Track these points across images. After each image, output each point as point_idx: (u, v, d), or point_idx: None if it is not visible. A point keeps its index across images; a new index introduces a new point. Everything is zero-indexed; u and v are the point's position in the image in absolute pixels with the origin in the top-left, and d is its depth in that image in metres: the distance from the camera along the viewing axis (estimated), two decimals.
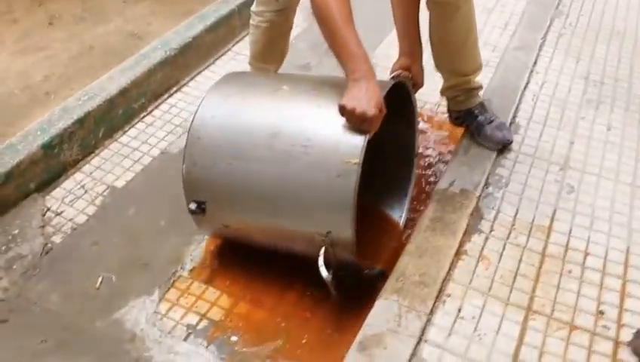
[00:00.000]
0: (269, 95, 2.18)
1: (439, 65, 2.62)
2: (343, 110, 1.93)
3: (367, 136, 1.94)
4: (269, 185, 2.05)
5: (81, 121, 2.82)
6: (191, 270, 2.41)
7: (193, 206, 2.17)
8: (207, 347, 2.15)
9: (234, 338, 2.17)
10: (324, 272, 1.99)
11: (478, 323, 2.04)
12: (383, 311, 2.05)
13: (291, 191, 2.03)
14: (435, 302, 2.09)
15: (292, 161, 2.01)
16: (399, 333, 1.98)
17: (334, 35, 1.96)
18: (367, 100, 1.90)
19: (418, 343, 1.97)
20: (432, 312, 2.06)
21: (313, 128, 2.03)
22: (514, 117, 2.91)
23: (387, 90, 2.04)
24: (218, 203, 2.17)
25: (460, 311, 2.08)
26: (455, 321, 2.05)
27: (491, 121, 2.66)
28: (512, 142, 2.69)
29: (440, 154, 2.89)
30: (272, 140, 2.04)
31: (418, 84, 2.40)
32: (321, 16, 1.98)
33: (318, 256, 2.01)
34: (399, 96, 2.23)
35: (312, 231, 2.04)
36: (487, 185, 2.53)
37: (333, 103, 1.97)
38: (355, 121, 1.92)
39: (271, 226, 2.18)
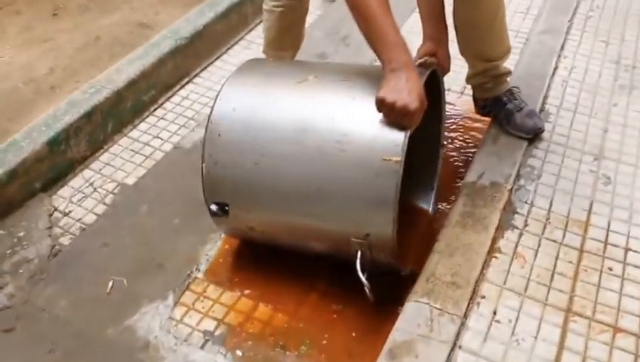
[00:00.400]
0: (295, 85, 2.02)
1: (464, 51, 2.48)
2: (381, 103, 1.79)
3: (409, 132, 1.80)
4: (300, 184, 1.92)
5: (88, 116, 2.70)
6: (207, 271, 2.30)
7: (215, 208, 2.05)
8: (225, 355, 2.04)
9: (254, 345, 2.06)
10: (363, 278, 1.89)
11: (515, 327, 1.92)
12: (413, 314, 1.93)
13: (325, 191, 1.90)
14: (468, 305, 1.96)
15: (325, 159, 1.87)
16: (432, 339, 1.85)
17: (370, 21, 1.82)
18: (408, 92, 1.76)
19: (452, 350, 1.85)
20: (465, 315, 1.94)
21: (348, 122, 1.88)
22: (543, 104, 2.77)
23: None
24: (242, 204, 2.05)
25: (495, 313, 1.95)
26: (490, 325, 1.92)
27: (521, 109, 2.53)
28: (543, 130, 2.56)
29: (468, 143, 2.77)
30: (302, 135, 1.90)
31: (444, 71, 2.26)
32: (354, 2, 1.84)
33: (355, 259, 1.91)
34: (426, 84, 2.09)
35: (348, 233, 1.92)
36: (518, 176, 2.40)
37: (367, 95, 1.85)
38: (395, 116, 1.79)
39: (301, 229, 2.06)
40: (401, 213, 1.85)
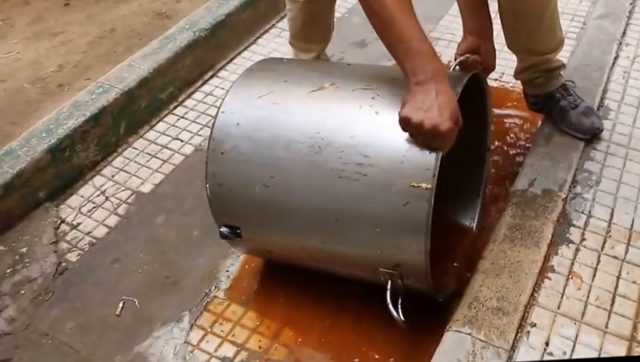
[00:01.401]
0: (308, 95, 1.85)
1: (513, 43, 2.32)
2: (406, 124, 1.60)
3: (440, 154, 1.62)
4: (317, 212, 1.78)
5: (95, 118, 2.60)
6: (227, 289, 2.19)
7: (225, 230, 1.93)
8: None
9: None
10: (394, 312, 1.75)
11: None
12: (453, 347, 1.78)
13: (346, 220, 1.75)
14: (516, 335, 1.81)
15: (345, 184, 1.71)
16: None
17: (389, 26, 1.63)
18: (438, 110, 1.56)
19: None
20: (513, 348, 1.78)
21: (370, 141, 1.70)
22: (602, 99, 2.59)
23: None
24: (255, 229, 1.92)
25: (547, 344, 1.80)
26: (542, 359, 1.77)
27: (576, 106, 2.36)
28: (602, 130, 2.39)
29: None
30: (316, 156, 1.74)
31: (489, 68, 2.09)
32: (369, 2, 1.66)
33: (386, 290, 1.78)
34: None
35: (375, 263, 1.78)
36: (574, 183, 2.24)
37: (393, 107, 1.67)
38: (423, 138, 1.61)
39: (323, 255, 1.92)
40: (439, 229, 1.71)
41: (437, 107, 1.56)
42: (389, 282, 1.78)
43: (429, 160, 1.62)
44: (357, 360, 1.96)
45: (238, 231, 1.92)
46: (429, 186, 1.61)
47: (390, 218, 1.68)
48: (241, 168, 1.83)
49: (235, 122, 1.85)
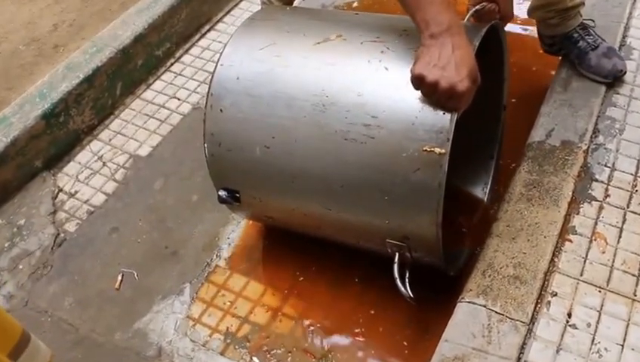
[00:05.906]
0: (313, 47, 1.62)
1: None
2: (419, 82, 1.39)
3: (456, 115, 1.41)
4: (321, 177, 1.58)
5: (89, 80, 2.36)
6: (229, 258, 2.01)
7: (224, 194, 1.75)
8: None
9: (282, 349, 1.78)
10: (402, 288, 1.57)
11: (595, 333, 1.54)
12: (466, 321, 1.56)
13: (352, 187, 1.55)
14: (536, 306, 1.58)
15: (351, 148, 1.50)
16: (489, 354, 1.49)
17: None
18: (455, 68, 1.35)
19: None
20: (532, 320, 1.56)
21: (379, 100, 1.49)
22: (623, 37, 2.29)
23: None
24: (255, 193, 1.73)
25: (569, 316, 1.57)
26: (564, 332, 1.54)
27: (596, 47, 2.07)
28: (625, 72, 2.09)
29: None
30: (320, 115, 1.53)
31: (507, 18, 1.82)
32: None
33: (393, 263, 1.59)
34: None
35: (383, 234, 1.58)
36: (595, 132, 1.97)
37: (405, 63, 1.46)
38: (438, 98, 1.39)
39: (326, 223, 1.73)
40: (449, 197, 1.49)
41: (454, 64, 1.35)
42: (397, 255, 1.58)
43: (443, 122, 1.41)
44: (364, 332, 1.79)
45: (237, 195, 1.74)
46: (443, 151, 1.40)
47: (399, 185, 1.48)
48: (240, 127, 1.63)
49: (235, 76, 1.63)
